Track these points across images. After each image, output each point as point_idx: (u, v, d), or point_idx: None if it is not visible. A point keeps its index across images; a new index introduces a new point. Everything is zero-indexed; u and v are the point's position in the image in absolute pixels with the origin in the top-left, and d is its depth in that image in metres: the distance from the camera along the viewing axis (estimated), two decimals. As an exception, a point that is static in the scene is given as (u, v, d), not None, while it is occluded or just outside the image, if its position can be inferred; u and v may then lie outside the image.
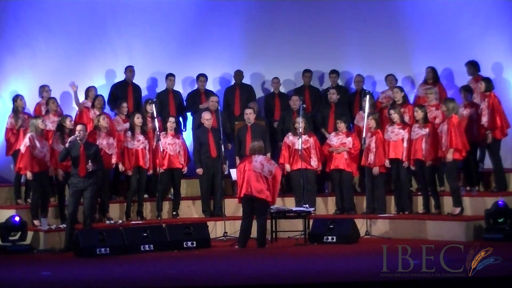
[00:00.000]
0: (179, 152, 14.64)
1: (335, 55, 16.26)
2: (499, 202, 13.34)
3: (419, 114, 13.85)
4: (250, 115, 14.80)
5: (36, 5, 15.69)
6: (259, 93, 16.31)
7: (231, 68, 16.21)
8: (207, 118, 14.67)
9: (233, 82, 16.16)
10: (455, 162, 13.52)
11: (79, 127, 13.08)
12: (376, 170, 14.14)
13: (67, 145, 12.94)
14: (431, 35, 15.94)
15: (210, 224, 13.86)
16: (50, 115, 14.51)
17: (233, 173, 13.88)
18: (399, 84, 15.43)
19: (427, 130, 13.77)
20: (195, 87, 15.95)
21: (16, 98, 14.61)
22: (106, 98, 15.23)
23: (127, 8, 16.14)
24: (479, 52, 15.28)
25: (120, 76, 15.82)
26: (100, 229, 13.19)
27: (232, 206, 14.42)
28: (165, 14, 16.27)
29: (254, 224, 13.29)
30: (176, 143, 14.66)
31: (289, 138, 14.64)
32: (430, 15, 16.00)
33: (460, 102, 14.22)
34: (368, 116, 14.11)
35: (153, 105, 14.35)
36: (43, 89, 15.01)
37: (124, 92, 15.51)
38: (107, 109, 15.22)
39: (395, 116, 14.15)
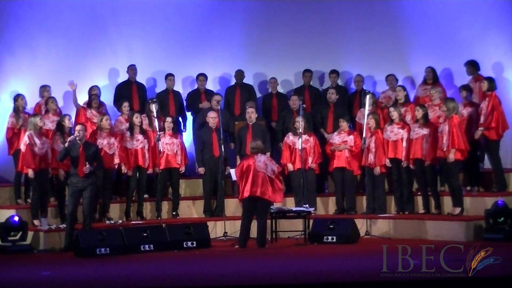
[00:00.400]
0: (176, 152, 14.63)
1: (335, 55, 16.25)
2: (499, 202, 13.33)
3: (419, 113, 13.84)
4: (252, 114, 14.78)
5: (36, 5, 15.68)
6: (258, 93, 16.30)
7: (231, 68, 16.20)
8: (212, 116, 14.63)
9: (233, 81, 16.16)
10: (457, 162, 13.52)
11: (78, 127, 13.09)
12: (377, 170, 14.14)
13: (66, 144, 12.95)
14: (431, 35, 15.92)
15: (210, 224, 13.86)
16: (50, 114, 14.49)
17: (233, 173, 13.86)
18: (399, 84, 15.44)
19: (427, 130, 13.77)
20: (195, 87, 15.95)
21: (17, 98, 14.61)
22: (109, 98, 15.23)
23: (127, 8, 16.12)
24: (479, 52, 15.27)
25: (123, 76, 15.82)
26: (100, 229, 13.19)
27: (232, 206, 14.42)
28: (165, 14, 16.26)
29: (254, 224, 13.29)
30: (174, 143, 14.64)
31: (290, 138, 14.64)
32: (430, 15, 15.98)
33: (460, 102, 14.22)
34: (368, 116, 14.12)
35: (155, 104, 14.36)
36: (44, 89, 14.99)
37: (128, 91, 15.51)
38: (113, 110, 15.24)
39: (395, 114, 14.13)
